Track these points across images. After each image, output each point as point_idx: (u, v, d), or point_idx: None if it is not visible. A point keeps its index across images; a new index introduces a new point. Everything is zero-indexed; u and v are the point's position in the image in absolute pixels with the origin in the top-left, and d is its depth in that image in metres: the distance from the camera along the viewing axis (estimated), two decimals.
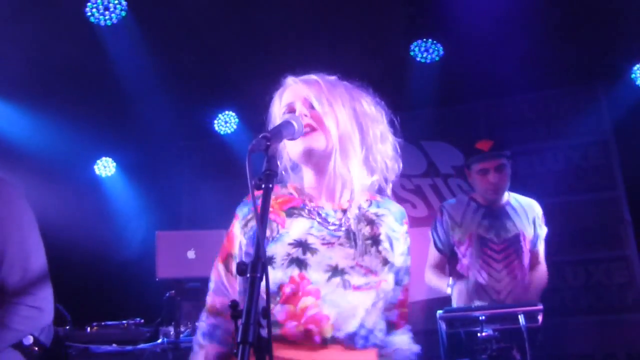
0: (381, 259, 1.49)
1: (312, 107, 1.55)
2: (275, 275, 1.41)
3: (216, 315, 1.58)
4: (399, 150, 1.64)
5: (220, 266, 1.61)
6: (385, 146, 1.61)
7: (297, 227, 1.50)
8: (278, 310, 1.40)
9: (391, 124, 1.67)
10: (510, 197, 3.30)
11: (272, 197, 1.52)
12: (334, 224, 1.52)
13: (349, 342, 1.41)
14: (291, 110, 1.58)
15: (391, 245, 1.54)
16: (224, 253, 1.62)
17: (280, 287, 1.41)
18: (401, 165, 1.64)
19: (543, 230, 3.28)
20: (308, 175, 1.60)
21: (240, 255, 1.55)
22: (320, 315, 1.39)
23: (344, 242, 1.49)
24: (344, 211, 1.55)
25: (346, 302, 1.41)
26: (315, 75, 1.62)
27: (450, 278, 3.17)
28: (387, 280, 1.51)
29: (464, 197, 3.43)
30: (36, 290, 1.78)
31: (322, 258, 1.44)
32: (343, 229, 1.52)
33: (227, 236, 1.63)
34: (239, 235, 1.57)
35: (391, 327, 1.58)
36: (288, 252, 1.43)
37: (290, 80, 1.62)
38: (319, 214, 1.53)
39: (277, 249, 1.44)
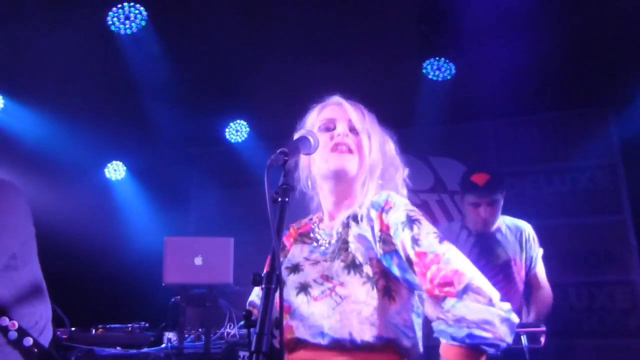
0: (346, 263, 1.46)
1: (352, 129, 1.61)
2: None
3: None
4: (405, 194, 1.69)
5: None
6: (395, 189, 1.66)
7: (296, 252, 1.61)
8: None
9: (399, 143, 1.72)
10: (501, 222, 3.31)
11: (297, 226, 1.67)
12: (326, 244, 1.58)
13: (321, 346, 1.43)
14: (330, 125, 1.62)
15: (364, 239, 1.48)
16: None
17: None
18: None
19: (537, 252, 3.27)
20: (326, 191, 1.64)
21: None
22: (286, 325, 1.48)
23: (329, 257, 1.53)
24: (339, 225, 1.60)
25: (308, 313, 1.47)
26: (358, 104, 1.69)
27: None
28: (347, 282, 1.44)
29: (456, 224, 3.45)
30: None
31: (299, 277, 1.53)
32: (333, 241, 1.57)
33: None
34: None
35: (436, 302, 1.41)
36: None
37: (337, 98, 1.67)
38: (317, 238, 1.62)
39: None
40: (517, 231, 3.27)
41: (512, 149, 5.02)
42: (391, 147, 1.69)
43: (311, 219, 1.71)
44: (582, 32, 4.04)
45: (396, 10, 4.01)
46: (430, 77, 4.55)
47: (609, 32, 4.04)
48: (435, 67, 4.50)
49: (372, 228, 1.49)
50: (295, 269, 1.56)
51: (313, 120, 1.67)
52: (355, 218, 1.54)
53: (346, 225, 1.54)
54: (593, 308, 4.56)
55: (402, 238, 1.43)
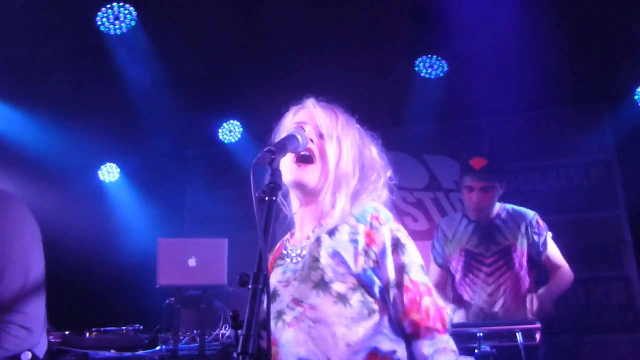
0: (315, 283, 1.42)
1: (321, 136, 1.55)
2: None
3: None
4: (388, 205, 1.62)
5: None
6: (380, 199, 1.59)
7: (273, 279, 1.54)
8: None
9: (388, 140, 1.68)
10: (502, 209, 3.31)
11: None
12: (296, 258, 1.53)
13: None
14: (301, 129, 1.57)
15: (337, 254, 1.43)
16: None
17: None
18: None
19: (545, 235, 3.22)
20: (295, 201, 1.62)
21: None
22: (273, 352, 1.42)
23: (299, 276, 1.48)
24: (309, 238, 1.54)
25: (284, 340, 1.43)
26: (335, 107, 1.62)
27: (451, 307, 3.19)
28: (317, 304, 1.40)
29: (458, 214, 3.49)
30: (28, 309, 1.78)
31: (277, 305, 1.47)
32: (304, 255, 1.51)
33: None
34: None
35: (411, 339, 1.43)
36: None
37: (310, 103, 1.62)
38: (289, 255, 1.56)
39: None
40: (518, 218, 3.26)
41: (507, 146, 5.01)
42: (373, 150, 1.62)
43: (284, 239, 1.64)
44: (576, 29, 4.04)
45: (388, 8, 4.01)
46: (423, 75, 4.55)
47: (603, 29, 4.04)
48: (428, 65, 4.50)
49: (356, 242, 1.44)
50: (274, 296, 1.49)
51: (289, 123, 1.62)
52: (330, 232, 1.48)
53: (317, 240, 1.48)
54: (589, 304, 4.57)
55: (392, 260, 1.43)
